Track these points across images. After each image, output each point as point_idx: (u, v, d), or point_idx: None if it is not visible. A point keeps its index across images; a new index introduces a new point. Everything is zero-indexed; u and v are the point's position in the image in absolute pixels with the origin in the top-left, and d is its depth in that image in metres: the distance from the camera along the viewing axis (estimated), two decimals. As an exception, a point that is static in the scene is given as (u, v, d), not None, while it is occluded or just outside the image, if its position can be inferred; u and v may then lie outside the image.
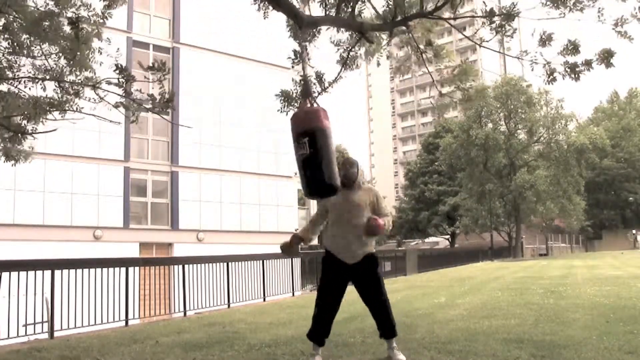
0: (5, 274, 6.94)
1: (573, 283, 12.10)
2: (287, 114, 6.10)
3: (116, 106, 6.14)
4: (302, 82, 4.39)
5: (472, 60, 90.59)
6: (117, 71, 5.95)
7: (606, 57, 5.62)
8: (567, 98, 45.55)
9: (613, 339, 4.88)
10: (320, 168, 3.99)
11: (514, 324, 6.07)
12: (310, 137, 4.01)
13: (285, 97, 6.13)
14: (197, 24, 23.64)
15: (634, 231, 42.99)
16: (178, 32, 23.60)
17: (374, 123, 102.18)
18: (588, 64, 5.71)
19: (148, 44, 22.85)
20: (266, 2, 6.04)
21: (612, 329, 5.45)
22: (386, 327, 4.33)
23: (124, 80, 5.95)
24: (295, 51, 6.22)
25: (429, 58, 7.10)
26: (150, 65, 6.06)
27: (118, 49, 6.09)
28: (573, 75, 5.77)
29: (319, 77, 6.46)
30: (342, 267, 4.32)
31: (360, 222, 4.28)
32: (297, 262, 14.24)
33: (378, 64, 7.47)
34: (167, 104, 6.13)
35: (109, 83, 6.03)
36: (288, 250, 4.53)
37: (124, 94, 6.09)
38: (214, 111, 23.59)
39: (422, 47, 6.89)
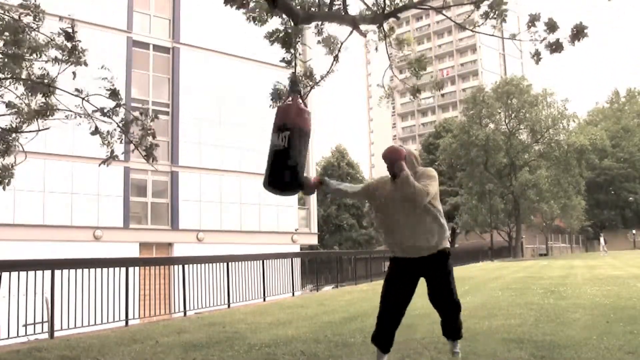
0: (5, 274, 6.94)
1: (573, 283, 12.10)
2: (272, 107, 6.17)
3: (93, 134, 6.20)
4: (291, 78, 4.32)
5: (471, 60, 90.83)
6: (110, 95, 5.98)
7: (581, 30, 5.77)
8: (568, 99, 45.41)
9: (613, 339, 4.88)
10: (296, 165, 3.87)
11: (514, 324, 6.07)
12: (299, 133, 3.89)
13: (277, 94, 6.19)
14: (197, 24, 23.65)
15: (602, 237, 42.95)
16: (178, 32, 23.60)
17: (374, 123, 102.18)
18: (573, 37, 5.85)
19: (148, 44, 22.86)
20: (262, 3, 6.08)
21: (612, 329, 5.44)
22: (450, 328, 4.08)
23: (112, 110, 5.98)
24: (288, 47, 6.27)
25: (394, 45, 7.27)
26: (141, 112, 6.13)
27: (112, 76, 6.07)
28: (558, 51, 5.93)
29: (309, 73, 6.55)
30: (407, 265, 3.87)
31: (415, 214, 3.78)
32: (297, 262, 14.25)
33: (376, 49, 7.54)
34: (149, 153, 6.18)
35: (100, 112, 6.07)
36: (307, 187, 4.08)
37: (111, 119, 6.14)
38: (214, 111, 23.60)
39: (386, 29, 6.98)
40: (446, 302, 3.94)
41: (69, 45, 6.18)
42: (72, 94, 6.07)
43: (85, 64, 6.24)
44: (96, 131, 6.24)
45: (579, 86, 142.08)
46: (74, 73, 6.14)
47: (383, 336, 3.91)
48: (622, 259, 27.12)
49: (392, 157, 3.78)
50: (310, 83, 6.62)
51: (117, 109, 6.11)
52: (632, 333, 5.14)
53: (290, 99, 4.13)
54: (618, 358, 4.19)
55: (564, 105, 44.20)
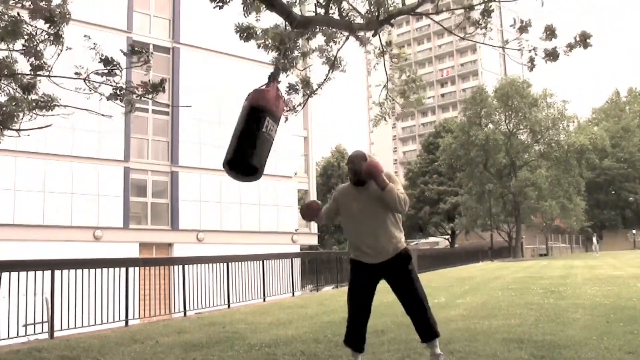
0: (5, 274, 6.94)
1: (573, 283, 12.10)
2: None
3: (109, 97, 6.09)
4: (275, 67, 4.32)
5: (471, 60, 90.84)
6: (103, 64, 5.90)
7: (583, 39, 5.79)
8: (567, 99, 45.56)
9: (613, 339, 4.88)
10: (261, 148, 3.77)
11: (514, 324, 6.07)
12: (271, 117, 3.83)
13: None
14: (197, 24, 23.64)
15: (594, 238, 43.41)
16: (178, 32, 23.59)
17: (374, 123, 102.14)
18: (570, 46, 5.87)
19: (148, 44, 22.83)
20: (257, 4, 6.10)
21: (612, 329, 5.44)
22: (424, 329, 3.91)
23: (113, 69, 5.89)
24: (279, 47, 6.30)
25: (391, 57, 7.36)
26: (132, 50, 6.03)
27: (94, 43, 5.96)
28: (552, 59, 5.96)
29: (305, 81, 6.58)
30: (369, 269, 3.96)
31: (379, 215, 3.91)
32: (297, 262, 14.25)
33: (376, 67, 7.58)
34: (156, 88, 6.05)
35: (97, 73, 5.98)
36: (308, 213, 4.13)
37: (114, 84, 6.05)
38: (214, 111, 23.59)
39: (383, 44, 7.05)
40: (413, 301, 3.93)
41: (52, 31, 6.09)
42: (72, 78, 6.00)
43: (62, 40, 6.09)
44: (113, 95, 6.12)
45: (580, 85, 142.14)
46: (68, 47, 6.03)
47: (355, 338, 4.05)
48: (622, 259, 27.12)
49: (373, 172, 3.85)
50: (308, 91, 6.67)
51: (116, 70, 6.00)
52: (632, 333, 5.14)
53: (272, 85, 4.08)
54: (618, 358, 4.19)
55: (563, 106, 44.26)
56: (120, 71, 5.97)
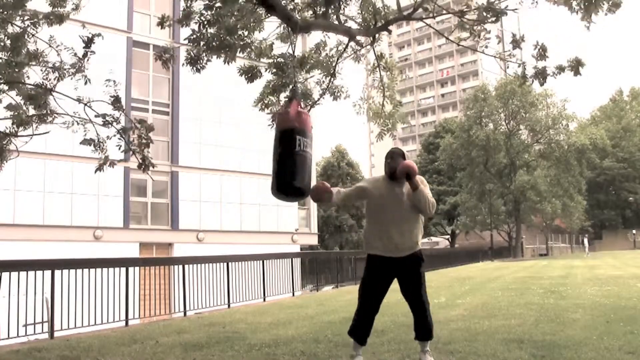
0: (5, 274, 6.93)
1: (573, 283, 12.10)
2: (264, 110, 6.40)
3: (82, 143, 6.31)
4: (293, 86, 4.44)
5: (471, 60, 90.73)
6: (113, 102, 6.08)
7: (576, 65, 5.79)
8: (567, 98, 45.44)
9: (613, 339, 4.88)
10: (306, 169, 3.94)
11: (514, 324, 6.07)
12: (310, 139, 4.02)
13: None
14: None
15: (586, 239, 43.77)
16: (178, 32, 23.55)
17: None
18: (560, 69, 5.88)
19: (148, 44, 22.84)
20: (260, 7, 6.16)
21: (612, 329, 5.45)
22: (422, 328, 4.17)
23: (113, 118, 6.07)
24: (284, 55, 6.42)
25: (383, 68, 7.59)
26: (141, 120, 6.26)
27: (117, 81, 6.17)
28: (541, 79, 5.98)
29: (306, 94, 6.68)
30: (387, 264, 4.10)
31: (406, 214, 4.07)
32: (297, 262, 14.24)
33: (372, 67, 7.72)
34: (147, 167, 6.28)
35: (101, 118, 6.15)
36: (317, 195, 4.11)
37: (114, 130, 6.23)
38: (214, 111, 23.58)
39: (376, 56, 7.26)
40: (417, 302, 4.15)
41: (82, 52, 6.26)
42: (73, 99, 6.11)
43: (87, 79, 6.34)
44: (86, 141, 6.33)
45: (582, 84, 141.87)
46: (85, 77, 6.21)
47: (361, 329, 4.18)
48: (622, 259, 27.12)
49: (410, 173, 3.99)
50: (310, 102, 6.76)
51: (119, 115, 6.17)
52: (632, 333, 5.15)
53: (296, 105, 4.17)
54: (618, 358, 4.19)
55: (563, 105, 44.26)
56: (122, 111, 6.15)
